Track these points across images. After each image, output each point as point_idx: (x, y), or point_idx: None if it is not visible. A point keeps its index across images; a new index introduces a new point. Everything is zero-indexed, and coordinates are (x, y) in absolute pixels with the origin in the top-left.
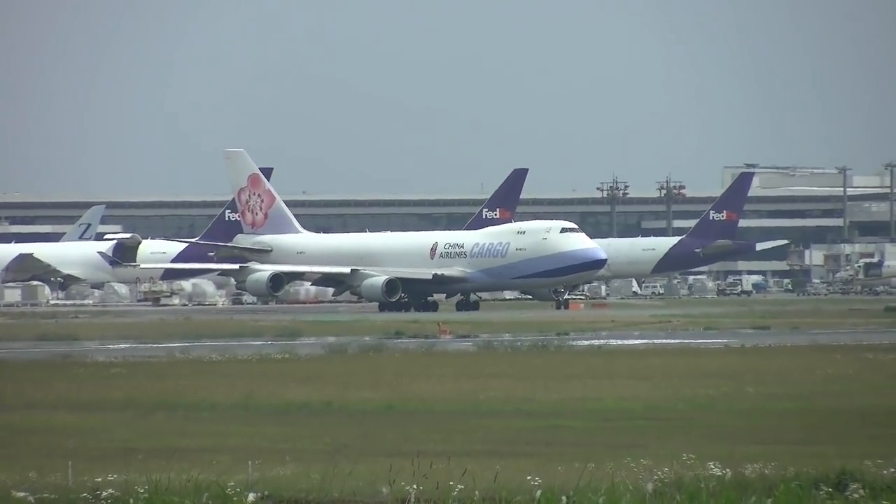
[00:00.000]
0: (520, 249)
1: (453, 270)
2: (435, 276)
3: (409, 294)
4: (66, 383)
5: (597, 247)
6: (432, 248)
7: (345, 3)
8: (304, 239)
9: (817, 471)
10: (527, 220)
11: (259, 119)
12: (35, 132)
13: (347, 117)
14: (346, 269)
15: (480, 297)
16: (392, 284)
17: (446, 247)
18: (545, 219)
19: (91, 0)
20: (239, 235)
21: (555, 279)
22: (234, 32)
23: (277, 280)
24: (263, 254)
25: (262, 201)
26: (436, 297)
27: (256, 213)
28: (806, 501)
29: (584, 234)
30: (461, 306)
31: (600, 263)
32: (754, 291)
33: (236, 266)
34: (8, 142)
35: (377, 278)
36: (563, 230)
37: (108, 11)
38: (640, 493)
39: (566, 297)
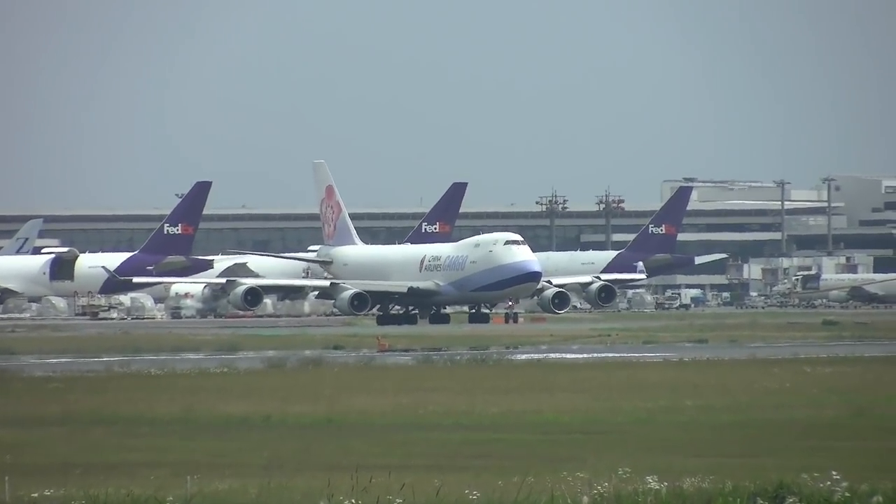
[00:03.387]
0: (473, 262)
1: (428, 283)
2: (410, 289)
3: (405, 306)
4: (3, 398)
5: (532, 259)
6: (421, 261)
7: (278, 16)
8: (351, 251)
9: (755, 484)
10: (468, 235)
11: (198, 133)
12: None
13: (285, 131)
14: (327, 283)
15: (491, 310)
16: (361, 298)
17: (429, 260)
18: (485, 233)
19: (22, 14)
20: (320, 247)
21: (498, 292)
22: (172, 50)
23: (254, 294)
24: (327, 265)
25: (334, 212)
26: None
27: (330, 225)
28: None
29: (525, 247)
30: (473, 318)
31: (534, 276)
32: (693, 305)
33: (223, 280)
34: None
35: (346, 292)
36: (507, 242)
37: (40, 24)
38: None
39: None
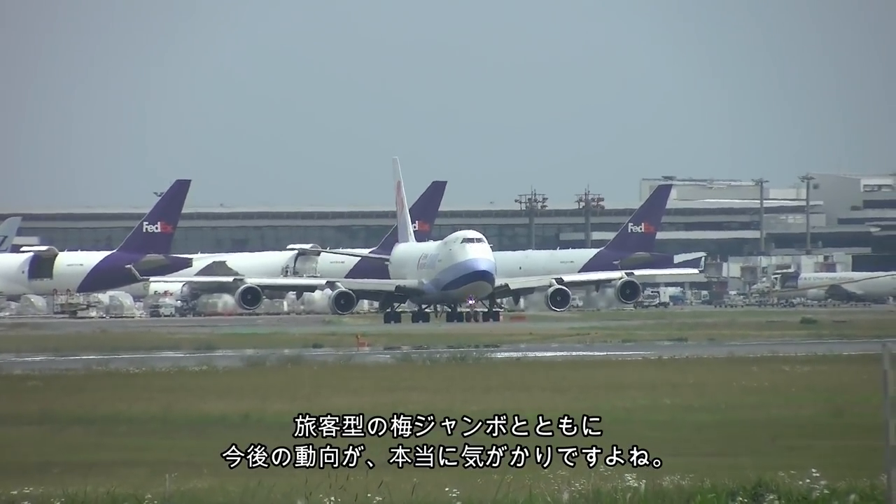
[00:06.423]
0: (440, 260)
1: (413, 282)
2: (398, 287)
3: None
4: None
5: (482, 258)
6: (419, 260)
7: (263, 14)
8: (399, 249)
9: (734, 482)
10: (447, 234)
11: (176, 130)
12: None
13: (265, 128)
14: (323, 281)
15: (503, 307)
16: (346, 297)
17: (422, 258)
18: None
19: (2, 12)
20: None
21: (456, 290)
22: (151, 49)
23: (253, 293)
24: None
25: (399, 209)
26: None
27: (398, 222)
28: None
29: (480, 245)
30: (487, 316)
31: (482, 275)
32: (672, 303)
33: (230, 279)
34: None
35: (334, 291)
36: (465, 240)
37: (21, 23)
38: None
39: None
